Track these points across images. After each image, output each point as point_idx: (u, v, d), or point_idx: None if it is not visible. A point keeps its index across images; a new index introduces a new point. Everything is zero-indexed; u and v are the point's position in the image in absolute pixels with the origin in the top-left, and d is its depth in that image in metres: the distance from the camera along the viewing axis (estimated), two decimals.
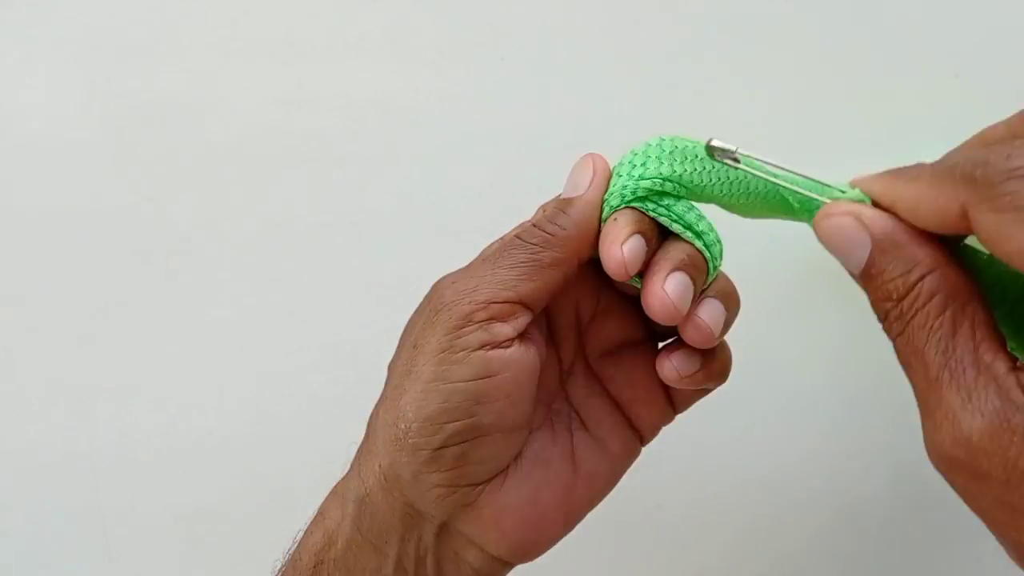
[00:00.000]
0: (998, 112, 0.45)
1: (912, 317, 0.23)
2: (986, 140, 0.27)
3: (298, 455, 0.49)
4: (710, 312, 0.30)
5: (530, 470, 0.31)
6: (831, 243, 0.26)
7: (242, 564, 0.49)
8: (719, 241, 0.32)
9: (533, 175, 0.47)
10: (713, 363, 0.31)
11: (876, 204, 0.26)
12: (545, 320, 0.33)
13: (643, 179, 0.30)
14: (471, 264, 0.32)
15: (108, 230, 0.50)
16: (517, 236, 0.31)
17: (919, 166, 0.26)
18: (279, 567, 0.33)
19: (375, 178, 0.48)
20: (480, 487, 0.30)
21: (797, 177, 0.30)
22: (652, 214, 0.30)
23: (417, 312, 0.32)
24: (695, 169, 0.31)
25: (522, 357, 0.30)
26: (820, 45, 0.46)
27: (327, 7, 0.49)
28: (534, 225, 0.31)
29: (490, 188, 0.48)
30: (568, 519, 0.32)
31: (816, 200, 0.29)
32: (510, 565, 0.32)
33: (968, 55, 0.45)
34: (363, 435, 0.32)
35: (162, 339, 0.49)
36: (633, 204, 0.30)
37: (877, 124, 0.45)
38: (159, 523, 0.49)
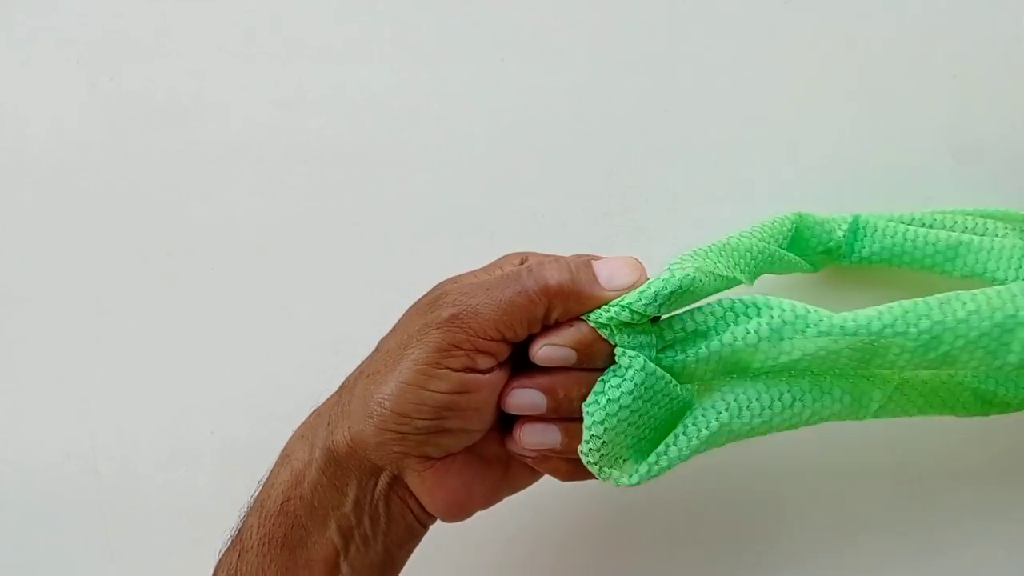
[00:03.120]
0: (996, 113, 0.45)
1: None
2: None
3: None
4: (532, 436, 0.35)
5: (471, 461, 0.36)
6: None
7: None
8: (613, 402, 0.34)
9: (533, 175, 0.48)
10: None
11: None
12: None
13: (627, 310, 0.34)
14: (476, 283, 0.35)
15: (108, 230, 0.50)
16: (528, 273, 0.34)
17: None
18: (243, 509, 0.37)
19: (375, 178, 0.48)
20: (429, 461, 0.35)
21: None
22: (605, 335, 0.34)
23: (416, 309, 0.36)
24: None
25: (494, 380, 0.34)
26: (818, 45, 0.46)
27: (327, 7, 0.49)
28: (544, 276, 0.34)
29: (490, 188, 0.48)
30: (490, 503, 0.37)
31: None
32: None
33: (967, 55, 0.45)
34: (337, 389, 0.37)
35: (162, 339, 0.49)
36: (601, 324, 0.34)
37: (875, 125, 0.46)
38: (160, 523, 0.49)
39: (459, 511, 0.36)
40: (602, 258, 0.35)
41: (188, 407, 0.49)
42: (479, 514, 0.37)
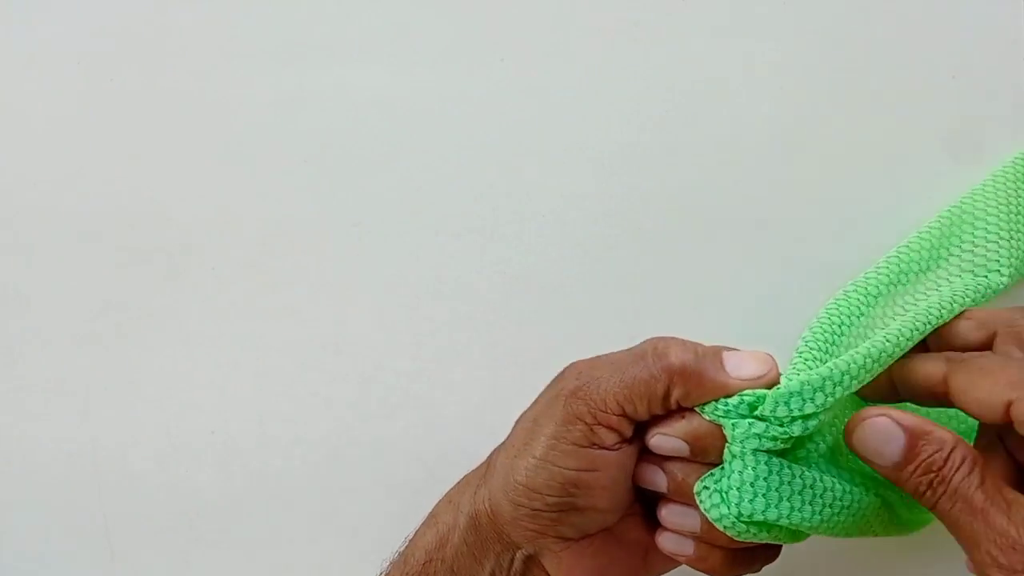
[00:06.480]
0: (995, 113, 0.45)
1: (953, 478, 0.31)
2: None
3: (298, 455, 0.49)
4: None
5: (609, 544, 0.36)
6: (869, 441, 0.32)
7: (244, 563, 0.49)
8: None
9: (533, 175, 0.48)
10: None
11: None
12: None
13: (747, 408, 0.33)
14: (605, 359, 0.35)
15: (109, 230, 0.50)
16: (653, 351, 0.34)
17: (980, 357, 0.33)
18: (388, 561, 0.38)
19: (375, 178, 0.48)
20: (566, 542, 0.35)
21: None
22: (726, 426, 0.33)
23: (549, 385, 0.36)
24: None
25: (622, 459, 0.34)
26: (817, 45, 0.46)
27: (327, 7, 0.49)
28: (668, 354, 0.33)
29: (490, 188, 0.48)
30: None
31: None
32: None
33: (966, 55, 0.45)
34: (487, 461, 0.38)
35: (163, 339, 0.49)
36: (718, 416, 0.33)
37: (874, 125, 0.46)
38: (161, 523, 0.49)
39: None
40: (735, 350, 0.34)
41: (188, 407, 0.49)
42: None
